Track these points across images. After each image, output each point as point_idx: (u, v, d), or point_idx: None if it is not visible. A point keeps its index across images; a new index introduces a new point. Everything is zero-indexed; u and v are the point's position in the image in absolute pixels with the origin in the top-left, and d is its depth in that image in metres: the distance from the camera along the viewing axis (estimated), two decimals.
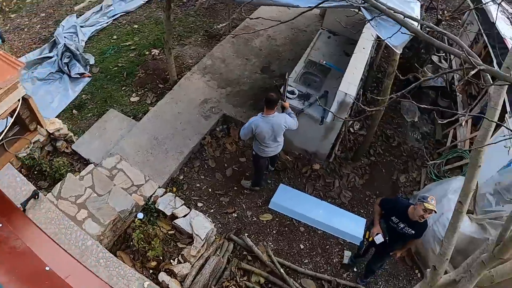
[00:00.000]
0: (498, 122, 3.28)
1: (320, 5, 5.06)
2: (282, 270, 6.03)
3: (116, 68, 8.70)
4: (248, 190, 6.98)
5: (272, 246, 6.44)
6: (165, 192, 6.47)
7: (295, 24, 10.09)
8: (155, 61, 8.82)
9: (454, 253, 5.84)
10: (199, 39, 9.58)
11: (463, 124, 8.48)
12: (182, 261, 5.76)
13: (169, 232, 6.11)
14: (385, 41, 5.08)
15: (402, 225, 5.17)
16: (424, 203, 4.80)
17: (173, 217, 6.15)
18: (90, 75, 8.50)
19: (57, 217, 5.52)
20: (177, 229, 6.10)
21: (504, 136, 6.59)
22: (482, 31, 8.73)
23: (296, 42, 9.70)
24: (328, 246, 6.68)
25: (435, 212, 4.97)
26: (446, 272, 4.69)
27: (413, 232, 5.15)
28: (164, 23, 7.51)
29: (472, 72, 2.63)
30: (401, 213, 5.13)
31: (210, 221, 6.17)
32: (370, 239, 5.47)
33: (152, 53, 9.03)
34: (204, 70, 8.42)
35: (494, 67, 6.89)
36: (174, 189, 6.71)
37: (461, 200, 3.92)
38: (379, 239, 5.33)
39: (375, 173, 7.77)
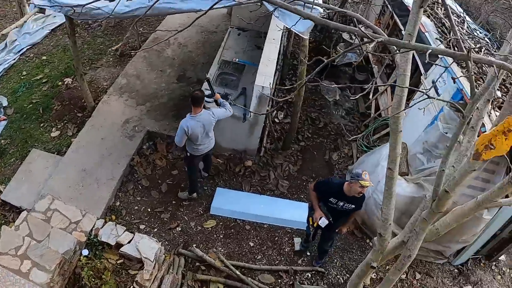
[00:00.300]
0: (410, 87, 3.48)
1: (218, 6, 5.14)
2: (238, 272, 6.10)
3: (31, 105, 8.38)
4: (187, 200, 6.99)
5: (222, 250, 6.50)
6: (105, 222, 6.35)
7: (204, 27, 10.14)
8: (70, 90, 8.58)
9: (399, 215, 6.22)
10: (111, 59, 9.41)
11: (383, 93, 8.87)
12: (137, 287, 5.72)
13: (118, 262, 5.99)
14: (291, 28, 5.22)
15: (341, 203, 5.35)
16: (359, 181, 4.97)
17: (119, 245, 6.04)
18: (6, 117, 8.14)
19: (1, 275, 5.33)
20: (125, 256, 5.99)
21: (416, 99, 6.98)
22: (387, 2, 9.12)
23: (208, 44, 9.75)
24: (277, 238, 6.83)
25: (372, 185, 5.19)
26: (394, 235, 4.95)
27: (353, 206, 5.39)
28: (71, 50, 7.34)
29: (372, 45, 2.79)
30: (337, 193, 5.29)
31: (156, 240, 6.14)
32: (315, 224, 5.60)
33: (66, 83, 8.77)
34: (120, 90, 8.30)
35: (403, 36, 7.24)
36: (113, 217, 6.60)
37: (390, 166, 4.13)
38: (323, 222, 5.46)
39: (308, 157, 8.00)
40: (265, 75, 6.69)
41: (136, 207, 6.80)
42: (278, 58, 7.47)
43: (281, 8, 5.12)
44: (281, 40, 7.64)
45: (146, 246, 5.92)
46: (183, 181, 7.19)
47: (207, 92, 6.51)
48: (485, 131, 5.09)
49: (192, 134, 5.88)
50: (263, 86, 6.53)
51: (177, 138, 5.97)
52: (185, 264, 6.21)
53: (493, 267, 7.27)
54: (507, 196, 3.70)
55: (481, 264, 7.24)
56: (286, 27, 7.34)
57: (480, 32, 7.35)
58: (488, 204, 3.58)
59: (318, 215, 5.47)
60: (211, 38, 9.95)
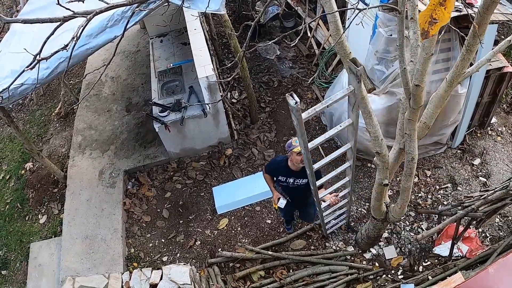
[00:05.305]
0: (339, 10, 3.49)
1: (130, 25, 5.07)
2: (270, 252, 6.16)
3: (7, 206, 8.20)
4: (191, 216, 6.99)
5: (246, 241, 6.54)
6: (130, 273, 6.28)
7: (126, 51, 9.99)
8: (35, 173, 8.41)
9: (385, 128, 6.28)
10: (57, 125, 9.21)
11: (315, 28, 8.85)
12: None
13: None
14: (207, 11, 5.16)
15: (291, 180, 5.07)
16: (292, 150, 4.67)
17: (154, 286, 5.98)
18: None
19: None
20: None
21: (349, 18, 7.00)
22: None
23: (137, 65, 9.60)
24: None
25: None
26: (390, 148, 4.99)
27: (306, 180, 4.89)
28: (17, 136, 7.19)
29: None
30: (283, 170, 5.02)
31: (184, 263, 6.13)
32: (276, 207, 5.46)
33: (28, 168, 8.59)
34: (80, 148, 8.14)
35: None
36: (135, 264, 6.55)
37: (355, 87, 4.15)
38: (282, 203, 5.29)
39: (278, 118, 8.03)
40: (204, 65, 6.66)
41: (151, 244, 6.76)
42: (208, 44, 7.41)
43: None
44: (202, 26, 7.57)
45: (178, 274, 5.87)
46: (180, 199, 7.18)
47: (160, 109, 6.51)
48: None
49: None
50: (207, 76, 6.50)
51: None
52: (221, 270, 6.21)
53: (489, 132, 7.43)
54: (471, 65, 3.74)
55: (478, 134, 7.40)
56: (201, 13, 7.28)
57: None
58: (459, 78, 3.62)
59: (276, 197, 5.32)
60: (138, 58, 9.80)
